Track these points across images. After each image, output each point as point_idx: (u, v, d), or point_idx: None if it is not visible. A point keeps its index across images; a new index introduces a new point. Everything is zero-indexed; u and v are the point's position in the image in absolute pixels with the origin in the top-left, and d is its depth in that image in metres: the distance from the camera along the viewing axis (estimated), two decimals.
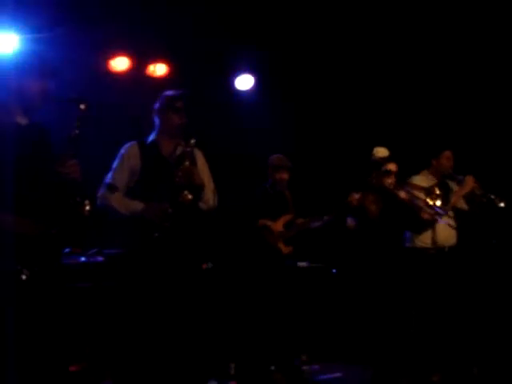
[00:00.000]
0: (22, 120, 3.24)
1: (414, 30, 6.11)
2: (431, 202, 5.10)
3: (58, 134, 3.40)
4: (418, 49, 6.31)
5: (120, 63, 6.26)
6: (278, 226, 5.35)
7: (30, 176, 3.14)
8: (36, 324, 3.11)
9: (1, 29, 5.56)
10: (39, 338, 3.11)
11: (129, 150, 4.06)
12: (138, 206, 3.91)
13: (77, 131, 3.24)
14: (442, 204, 5.13)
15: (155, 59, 6.46)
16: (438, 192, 5.12)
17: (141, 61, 6.39)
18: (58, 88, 3.33)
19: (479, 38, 6.08)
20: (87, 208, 3.20)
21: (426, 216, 5.20)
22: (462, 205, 5.57)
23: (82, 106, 3.26)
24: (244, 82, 6.78)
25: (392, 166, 5.11)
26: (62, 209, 3.17)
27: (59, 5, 5.50)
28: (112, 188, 3.88)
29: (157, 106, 4.15)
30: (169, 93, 4.15)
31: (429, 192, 5.14)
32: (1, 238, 3.02)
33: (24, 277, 3.04)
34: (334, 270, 6.38)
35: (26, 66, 3.23)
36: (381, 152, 5.16)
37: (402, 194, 5.10)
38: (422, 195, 5.21)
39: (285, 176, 5.45)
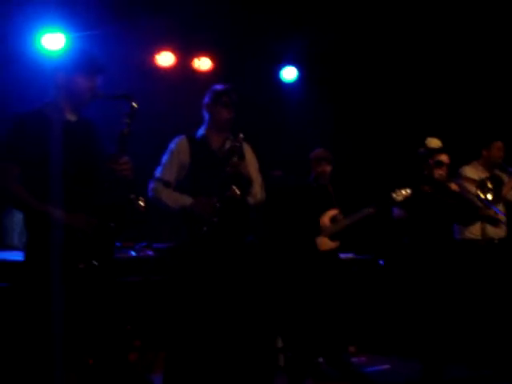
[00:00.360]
0: (72, 116, 3.31)
1: (460, 21, 6.04)
2: (482, 196, 5.05)
3: (105, 130, 3.49)
4: (466, 38, 6.24)
5: (165, 58, 6.35)
6: (325, 220, 5.31)
7: (82, 171, 3.23)
8: (90, 314, 3.19)
9: (49, 27, 5.69)
10: (94, 327, 3.21)
11: (178, 145, 4.10)
12: (186, 200, 3.95)
13: (128, 128, 3.30)
14: (494, 198, 5.08)
15: (200, 53, 6.54)
16: (489, 185, 5.07)
17: (186, 56, 6.46)
18: (106, 84, 3.38)
19: None
20: (142, 204, 3.28)
21: (490, 212, 5.15)
22: None
23: (134, 104, 3.31)
24: (288, 74, 6.79)
25: (444, 158, 5.05)
26: (118, 205, 3.25)
27: (104, 2, 5.60)
28: (166, 183, 3.94)
29: (205, 100, 4.17)
30: (217, 87, 4.16)
31: (480, 185, 5.09)
32: (54, 233, 3.10)
33: (81, 266, 3.13)
34: (381, 262, 6.35)
35: (73, 64, 3.29)
36: (433, 142, 5.09)
37: (453, 186, 5.04)
38: (473, 188, 5.17)
39: (327, 169, 5.40)
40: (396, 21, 6.19)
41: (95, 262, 3.15)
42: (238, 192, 3.90)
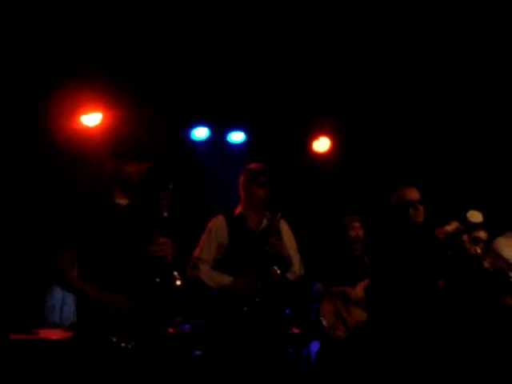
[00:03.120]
0: (122, 201, 3.46)
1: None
2: None
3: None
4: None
5: (200, 132, 6.59)
6: (358, 291, 5.19)
7: (126, 255, 3.34)
8: None
9: (87, 106, 5.99)
10: None
11: (216, 224, 4.24)
12: (226, 280, 4.08)
13: (166, 210, 3.39)
14: None
15: (233, 127, 6.76)
16: None
17: (220, 129, 6.70)
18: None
19: None
20: (178, 283, 3.36)
21: None
22: None
23: (171, 186, 3.42)
24: (321, 145, 6.98)
25: (481, 234, 5.11)
26: (153, 285, 3.34)
27: (140, 81, 5.89)
28: (205, 263, 4.11)
29: (241, 179, 4.32)
30: (252, 166, 4.30)
31: None
32: (96, 313, 3.26)
33: (123, 345, 3.23)
34: None
35: (121, 150, 3.45)
36: (474, 216, 5.11)
37: (487, 264, 5.09)
38: (506, 266, 5.21)
39: (360, 233, 5.37)
40: (427, 89, 6.37)
41: (133, 344, 3.25)
42: (278, 272, 4.02)
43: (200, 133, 6.60)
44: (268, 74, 6.14)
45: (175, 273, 3.39)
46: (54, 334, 4.56)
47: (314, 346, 5.67)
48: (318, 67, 6.13)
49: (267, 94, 6.35)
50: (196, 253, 4.21)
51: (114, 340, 3.23)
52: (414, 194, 4.46)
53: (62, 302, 5.07)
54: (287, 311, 5.05)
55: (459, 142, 6.68)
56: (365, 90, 6.42)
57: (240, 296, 4.00)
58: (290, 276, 4.20)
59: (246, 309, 3.96)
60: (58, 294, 5.03)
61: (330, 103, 6.45)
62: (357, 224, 5.40)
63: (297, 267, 4.24)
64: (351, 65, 6.13)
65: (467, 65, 6.02)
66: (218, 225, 4.24)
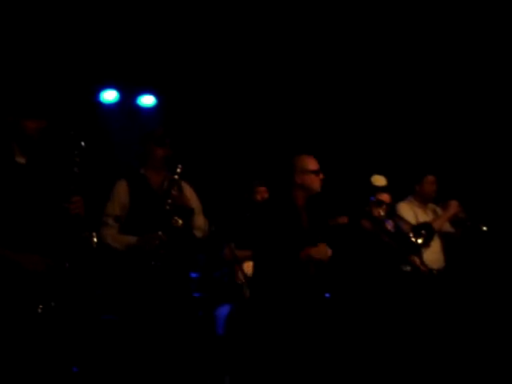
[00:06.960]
0: (21, 159, 3.50)
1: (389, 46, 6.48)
2: (413, 239, 5.42)
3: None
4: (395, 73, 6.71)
5: (109, 95, 6.61)
6: None
7: (34, 213, 3.42)
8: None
9: None
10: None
11: (118, 187, 4.37)
12: (132, 239, 4.20)
13: (78, 167, 3.49)
14: (424, 243, 5.44)
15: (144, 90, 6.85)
16: (423, 231, 5.44)
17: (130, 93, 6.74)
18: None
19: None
20: (95, 240, 3.50)
21: (416, 261, 5.45)
22: (448, 228, 5.84)
23: (82, 143, 3.52)
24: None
25: (384, 197, 5.40)
26: (71, 243, 3.45)
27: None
28: (110, 226, 4.22)
29: (142, 142, 4.47)
30: (154, 130, 4.50)
31: (414, 229, 5.45)
32: (8, 275, 3.30)
33: (39, 310, 3.31)
34: (327, 295, 6.58)
35: (21, 106, 3.46)
36: (378, 180, 5.40)
37: (389, 226, 5.39)
38: (407, 228, 5.54)
39: (265, 196, 5.41)
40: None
41: (53, 304, 3.33)
42: (180, 222, 4.17)
43: (109, 95, 6.63)
44: (183, 40, 6.21)
45: (93, 233, 3.52)
46: None
47: (223, 311, 5.84)
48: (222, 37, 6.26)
49: (178, 58, 6.42)
50: (102, 219, 4.31)
51: (33, 301, 3.28)
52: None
53: None
54: (195, 275, 5.19)
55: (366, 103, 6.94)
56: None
57: (146, 251, 4.11)
58: (197, 233, 4.38)
59: (153, 263, 4.09)
60: None
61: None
62: (262, 188, 5.47)
63: (202, 223, 4.42)
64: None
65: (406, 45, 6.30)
66: (119, 188, 4.36)
